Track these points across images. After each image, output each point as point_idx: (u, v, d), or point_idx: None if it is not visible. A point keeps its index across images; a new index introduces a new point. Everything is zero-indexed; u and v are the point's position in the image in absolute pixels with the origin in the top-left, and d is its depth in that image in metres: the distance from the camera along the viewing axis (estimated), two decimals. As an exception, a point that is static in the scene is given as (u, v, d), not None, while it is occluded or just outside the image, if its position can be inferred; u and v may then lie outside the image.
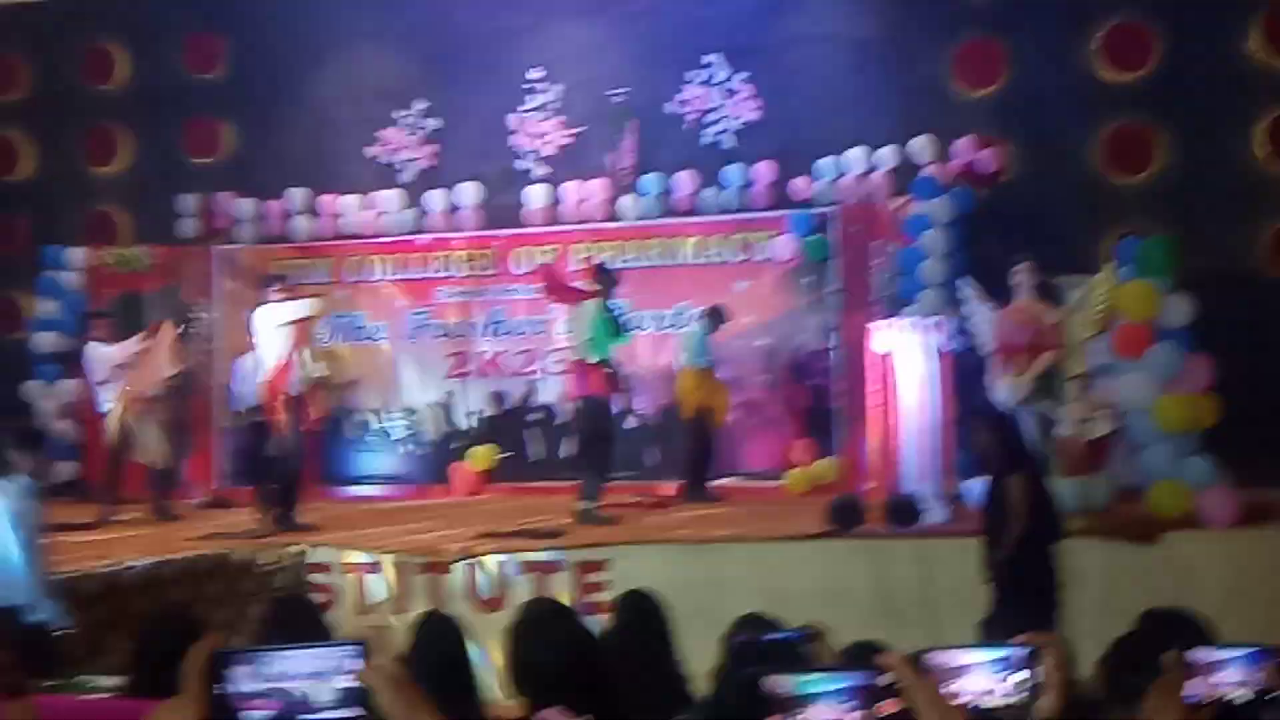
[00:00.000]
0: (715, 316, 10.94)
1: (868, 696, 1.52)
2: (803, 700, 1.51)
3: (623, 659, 3.97)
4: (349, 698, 1.71)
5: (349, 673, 1.71)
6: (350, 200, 13.09)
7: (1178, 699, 2.06)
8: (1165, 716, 2.05)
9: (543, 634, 3.40)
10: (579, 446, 9.95)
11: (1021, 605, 6.22)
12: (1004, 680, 2.02)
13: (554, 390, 12.11)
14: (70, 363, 12.40)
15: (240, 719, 1.71)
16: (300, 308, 9.41)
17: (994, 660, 2.03)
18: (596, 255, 11.55)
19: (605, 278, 9.58)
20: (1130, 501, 8.70)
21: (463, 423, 12.60)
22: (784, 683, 1.52)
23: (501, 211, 12.78)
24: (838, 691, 1.52)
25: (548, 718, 3.01)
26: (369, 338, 12.86)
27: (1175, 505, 8.17)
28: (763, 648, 3.10)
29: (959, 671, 2.00)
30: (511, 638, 3.48)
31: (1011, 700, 2.02)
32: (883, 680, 1.52)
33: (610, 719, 3.17)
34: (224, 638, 1.83)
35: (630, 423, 11.81)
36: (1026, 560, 6.48)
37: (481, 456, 12.21)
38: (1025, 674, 2.03)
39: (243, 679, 1.71)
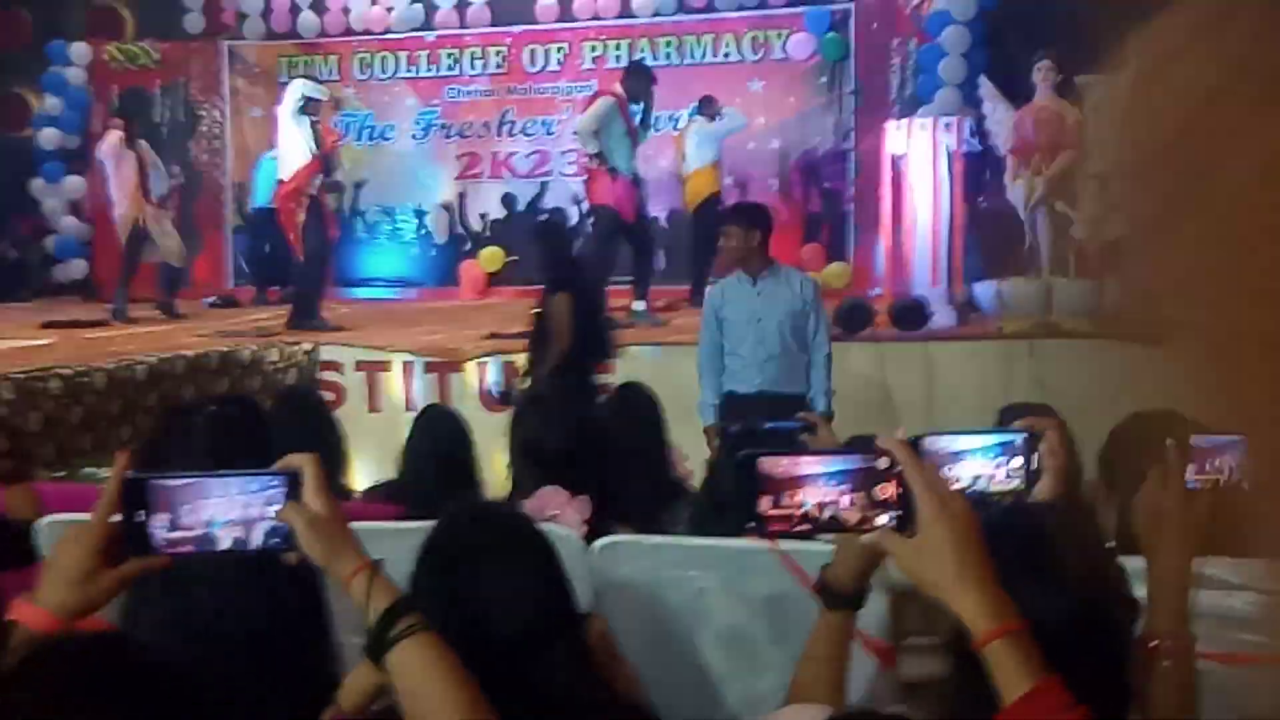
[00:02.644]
0: (709, 105, 10.67)
1: (864, 479, 1.46)
2: (796, 481, 1.47)
3: (617, 449, 4.00)
4: (271, 534, 1.61)
5: (271, 505, 1.60)
6: (358, -8, 12.79)
7: (1179, 483, 2.02)
8: (1166, 501, 2.01)
9: (546, 414, 3.43)
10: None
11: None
12: (1003, 465, 2.01)
13: (566, 193, 11.98)
14: (76, 160, 12.32)
15: (154, 548, 1.59)
16: (298, 88, 9.23)
17: (993, 445, 2.01)
18: (608, 53, 11.30)
19: (637, 78, 9.28)
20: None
21: (474, 224, 12.52)
22: (778, 463, 1.47)
23: (513, 7, 12.45)
24: (833, 474, 1.47)
25: (545, 494, 3.07)
26: (379, 137, 12.70)
27: (1188, 310, 8.10)
28: (759, 436, 3.11)
29: (957, 456, 1.99)
30: (515, 418, 3.52)
31: (1010, 485, 2.02)
32: (880, 463, 1.46)
33: (606, 502, 3.22)
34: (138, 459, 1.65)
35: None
36: (567, 380, 6.33)
37: (491, 258, 12.17)
38: (1023, 459, 2.01)
39: (158, 506, 1.58)
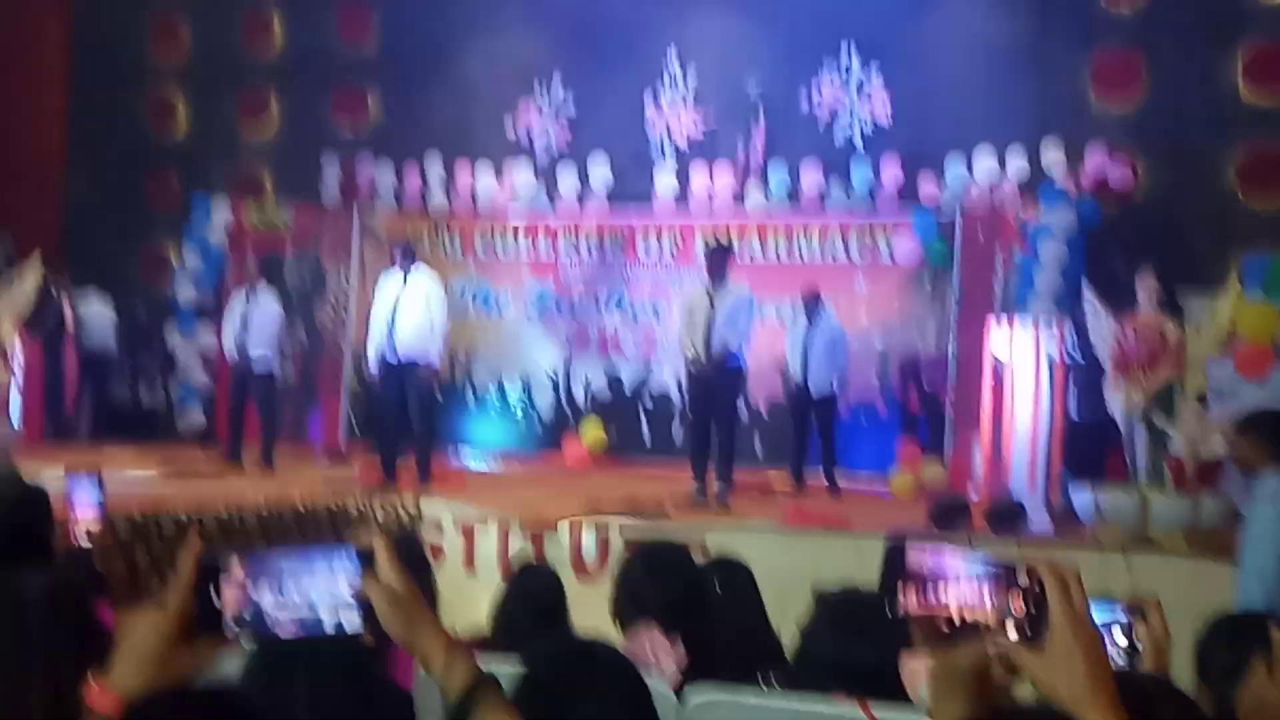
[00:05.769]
0: (813, 300, 10.95)
1: (1002, 587, 1.50)
2: (941, 577, 1.52)
3: (717, 609, 4.06)
4: (349, 610, 1.59)
5: (346, 581, 1.58)
6: (485, 173, 13.39)
7: None
8: (1271, 691, 2.09)
9: (654, 563, 3.53)
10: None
11: None
12: (1108, 638, 2.06)
13: (670, 374, 12.27)
14: (208, 314, 12.95)
15: (226, 630, 1.57)
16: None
17: (1099, 619, 2.07)
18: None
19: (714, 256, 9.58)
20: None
21: (578, 398, 12.85)
22: (925, 558, 1.53)
23: (630, 196, 12.96)
24: (976, 575, 1.51)
25: (641, 634, 3.14)
26: (495, 308, 13.18)
27: (1285, 532, 8.03)
28: (852, 602, 3.19)
29: None
30: (624, 565, 3.61)
31: (1114, 658, 2.08)
32: (1021, 578, 1.50)
33: (704, 653, 3.27)
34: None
35: (743, 412, 11.90)
36: None
37: (593, 433, 12.45)
38: (1125, 634, 2.09)
39: (238, 587, 1.56)
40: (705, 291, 9.37)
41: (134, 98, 15.07)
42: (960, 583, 1.51)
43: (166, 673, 1.54)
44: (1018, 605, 1.50)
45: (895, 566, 1.53)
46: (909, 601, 1.53)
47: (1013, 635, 1.50)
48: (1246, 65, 11.35)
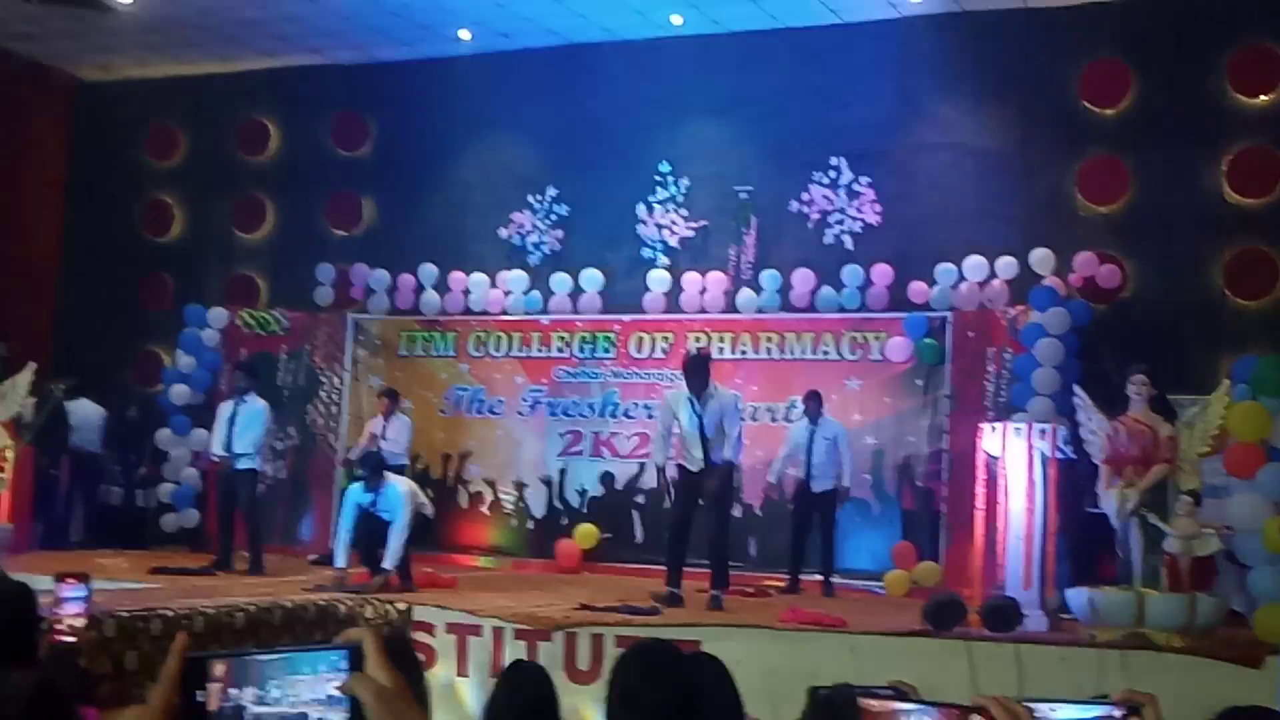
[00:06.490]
0: (814, 404, 11.03)
1: None
2: (892, 717, 1.52)
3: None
4: (336, 707, 1.53)
5: (333, 680, 1.53)
6: (479, 278, 13.49)
7: None
8: None
9: (647, 666, 3.50)
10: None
11: None
12: None
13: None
14: (200, 415, 12.96)
15: None
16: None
17: (1091, 718, 2.07)
18: (712, 344, 11.75)
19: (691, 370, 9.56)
20: (1237, 623, 8.54)
21: (571, 500, 12.80)
22: (877, 704, 1.55)
23: (623, 297, 13.08)
24: (932, 717, 1.51)
25: None
26: (488, 411, 13.18)
27: (1282, 630, 7.99)
28: (847, 697, 3.17)
29: None
30: (616, 668, 3.59)
31: None
32: (973, 719, 1.49)
33: None
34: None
35: (736, 512, 11.86)
36: None
37: (586, 534, 12.39)
38: None
39: (221, 687, 1.50)
40: (689, 399, 9.38)
41: (130, 202, 15.26)
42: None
43: None
44: None
45: (849, 713, 1.58)
46: None
47: None
48: (1230, 169, 11.48)
